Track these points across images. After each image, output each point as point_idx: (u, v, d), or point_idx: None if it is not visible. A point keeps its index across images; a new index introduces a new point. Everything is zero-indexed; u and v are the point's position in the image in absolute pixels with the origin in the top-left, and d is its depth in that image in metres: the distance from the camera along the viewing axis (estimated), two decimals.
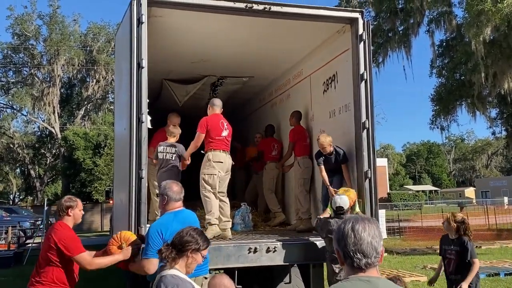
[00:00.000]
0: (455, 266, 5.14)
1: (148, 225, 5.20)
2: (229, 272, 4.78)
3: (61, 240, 4.01)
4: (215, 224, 5.89)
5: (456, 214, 5.40)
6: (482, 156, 77.32)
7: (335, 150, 6.44)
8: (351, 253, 1.84)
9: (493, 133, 28.09)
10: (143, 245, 4.08)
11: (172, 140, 6.77)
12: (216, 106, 6.46)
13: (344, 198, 5.50)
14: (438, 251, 5.65)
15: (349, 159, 6.38)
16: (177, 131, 6.91)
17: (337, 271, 5.28)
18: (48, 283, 4.05)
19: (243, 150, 9.77)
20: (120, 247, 4.24)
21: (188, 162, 6.63)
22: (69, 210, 4.19)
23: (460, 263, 5.10)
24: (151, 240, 3.86)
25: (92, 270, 4.19)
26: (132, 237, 4.36)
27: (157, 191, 6.98)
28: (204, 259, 3.92)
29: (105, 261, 4.20)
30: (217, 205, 6.04)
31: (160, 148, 6.64)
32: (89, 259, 4.12)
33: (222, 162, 6.16)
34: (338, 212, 5.45)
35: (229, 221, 6.18)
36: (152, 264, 3.80)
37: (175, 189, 4.08)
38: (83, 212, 4.39)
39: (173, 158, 6.55)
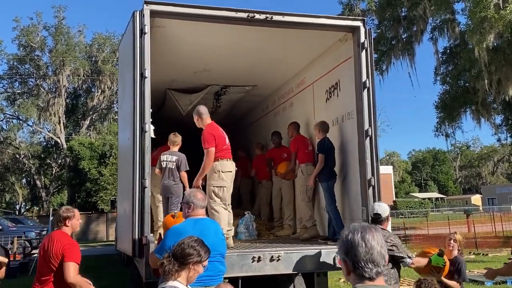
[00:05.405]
0: None
1: (152, 235, 5.23)
2: (233, 281, 4.76)
3: (65, 246, 4.11)
4: None
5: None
6: (488, 163, 76.85)
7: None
8: (363, 263, 1.82)
9: (499, 140, 27.97)
10: None
11: (174, 148, 6.78)
12: (206, 114, 6.14)
13: (383, 205, 5.01)
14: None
15: (353, 166, 6.38)
16: (178, 139, 6.89)
17: None
18: None
19: (247, 160, 9.75)
20: None
21: (199, 183, 6.00)
22: (67, 221, 4.32)
23: None
24: (165, 239, 3.90)
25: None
26: None
27: (157, 201, 7.01)
28: (220, 272, 3.92)
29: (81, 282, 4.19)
30: (225, 219, 5.89)
31: (163, 157, 6.64)
32: (76, 272, 4.14)
33: (230, 172, 6.05)
34: (376, 220, 4.92)
35: (231, 230, 6.14)
36: (154, 263, 3.92)
37: (200, 196, 4.09)
38: (80, 221, 4.52)
39: (174, 167, 6.53)
